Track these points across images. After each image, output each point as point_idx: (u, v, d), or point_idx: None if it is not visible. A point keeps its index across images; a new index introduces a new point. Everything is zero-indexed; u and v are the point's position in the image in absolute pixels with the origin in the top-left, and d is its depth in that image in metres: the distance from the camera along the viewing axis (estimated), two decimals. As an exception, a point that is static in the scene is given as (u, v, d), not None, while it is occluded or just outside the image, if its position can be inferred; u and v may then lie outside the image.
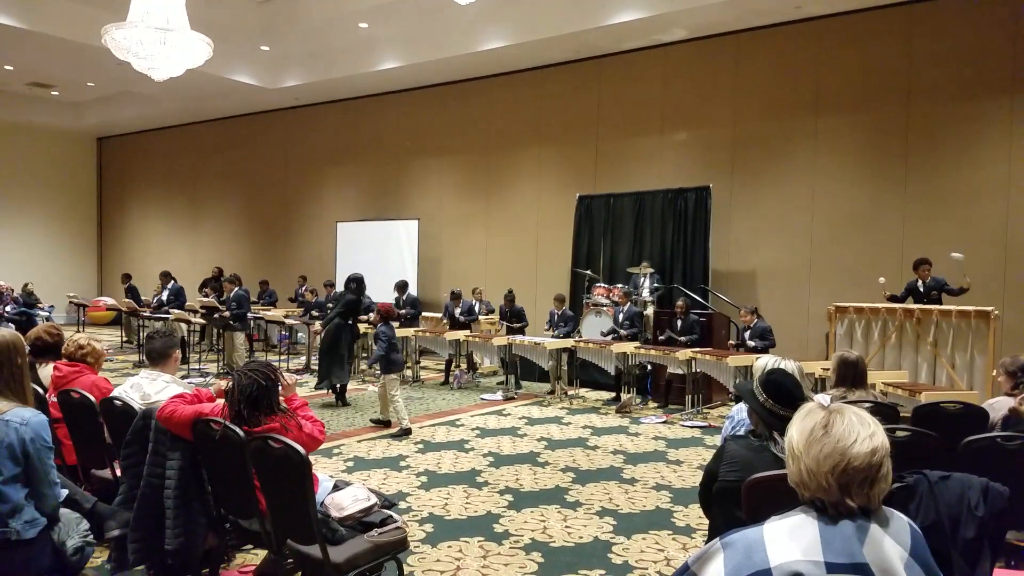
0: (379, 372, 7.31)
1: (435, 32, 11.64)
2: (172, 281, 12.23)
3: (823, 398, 3.79)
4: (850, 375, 4.00)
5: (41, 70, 14.40)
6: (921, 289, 7.91)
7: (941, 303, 7.63)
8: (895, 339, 7.45)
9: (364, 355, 11.28)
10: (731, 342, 8.74)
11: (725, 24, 10.09)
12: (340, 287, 10.80)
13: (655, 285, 10.05)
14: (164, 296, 12.08)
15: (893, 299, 7.96)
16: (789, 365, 3.06)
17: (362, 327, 10.34)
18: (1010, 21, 8.54)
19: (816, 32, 9.76)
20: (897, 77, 9.24)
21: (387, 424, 7.24)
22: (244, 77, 13.49)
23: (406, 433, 6.90)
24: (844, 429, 1.52)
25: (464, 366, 10.28)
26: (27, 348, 2.88)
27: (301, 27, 12.15)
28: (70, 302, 15.53)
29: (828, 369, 5.57)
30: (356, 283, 8.73)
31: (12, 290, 13.94)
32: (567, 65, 11.90)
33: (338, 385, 8.49)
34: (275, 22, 12.26)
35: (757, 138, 10.27)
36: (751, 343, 8.26)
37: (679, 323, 8.87)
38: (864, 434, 1.51)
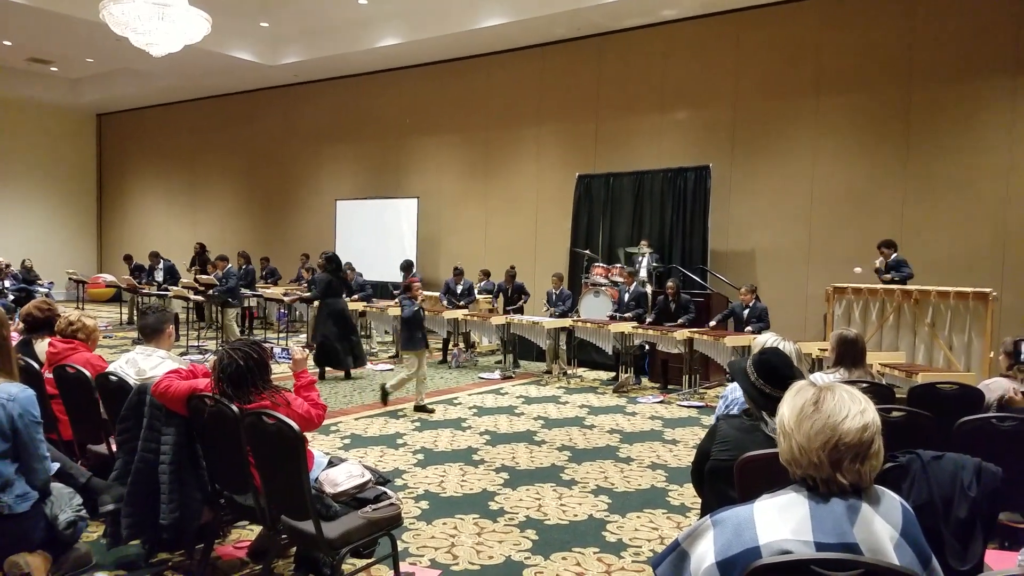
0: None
1: (435, 9, 11.52)
2: (161, 260, 12.29)
3: (821, 376, 3.79)
4: (850, 354, 3.98)
5: (40, 46, 14.28)
6: (882, 268, 7.96)
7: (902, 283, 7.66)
8: (893, 320, 7.44)
9: (363, 334, 11.30)
10: (711, 323, 8.55)
11: (726, 2, 9.98)
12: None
13: (653, 264, 10.02)
14: (159, 276, 12.09)
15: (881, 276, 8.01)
16: (787, 346, 3.05)
17: (357, 306, 10.35)
18: (1013, 2, 8.43)
19: (817, 11, 9.66)
20: (898, 58, 9.15)
21: (428, 411, 6.94)
22: (243, 53, 13.37)
23: (420, 407, 6.93)
24: (835, 405, 1.51)
25: (462, 345, 10.29)
26: (14, 323, 2.86)
27: (300, 3, 12.01)
28: (70, 279, 15.55)
29: (826, 349, 5.57)
30: (327, 260, 8.80)
31: (10, 266, 13.92)
32: (567, 43, 11.79)
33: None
34: (274, -3, 12.13)
35: (757, 118, 10.19)
36: (749, 328, 8.19)
37: (673, 305, 8.81)
38: (855, 410, 1.50)
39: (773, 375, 2.45)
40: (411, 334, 7.06)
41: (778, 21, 9.96)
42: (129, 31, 7.55)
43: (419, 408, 6.98)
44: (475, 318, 9.79)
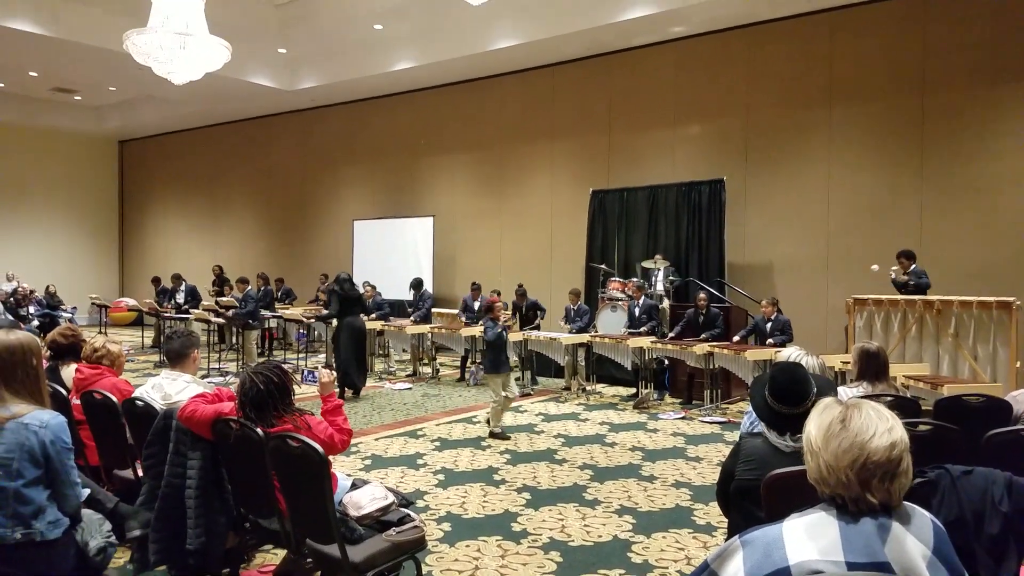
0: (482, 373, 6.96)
1: (448, 32, 11.66)
2: (183, 282, 12.41)
3: (844, 391, 3.76)
4: (872, 367, 3.95)
5: (64, 76, 14.62)
6: (899, 280, 7.97)
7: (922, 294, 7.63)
8: (915, 331, 7.36)
9: (381, 352, 11.37)
10: (736, 338, 8.48)
11: (736, 17, 10.02)
12: (359, 285, 10.85)
13: (671, 278, 9.99)
14: (180, 298, 12.22)
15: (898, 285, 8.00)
16: (810, 360, 3.03)
17: (375, 324, 10.39)
18: (1027, 5, 8.40)
19: (828, 22, 9.66)
20: (912, 66, 9.12)
21: (504, 437, 6.68)
22: (262, 79, 13.59)
23: (499, 437, 6.63)
24: (862, 423, 1.50)
25: (480, 362, 10.29)
26: (44, 350, 2.90)
27: (317, 29, 12.21)
28: (92, 303, 15.76)
29: (848, 363, 5.51)
30: (337, 282, 8.95)
31: (34, 292, 14.14)
32: (579, 61, 11.87)
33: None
34: (292, 25, 12.34)
35: (770, 130, 10.18)
36: (771, 341, 8.12)
37: (701, 317, 8.73)
38: (883, 428, 1.49)
39: (780, 392, 2.45)
40: (496, 357, 6.89)
41: (788, 34, 9.97)
42: (151, 60, 7.70)
43: (494, 435, 6.73)
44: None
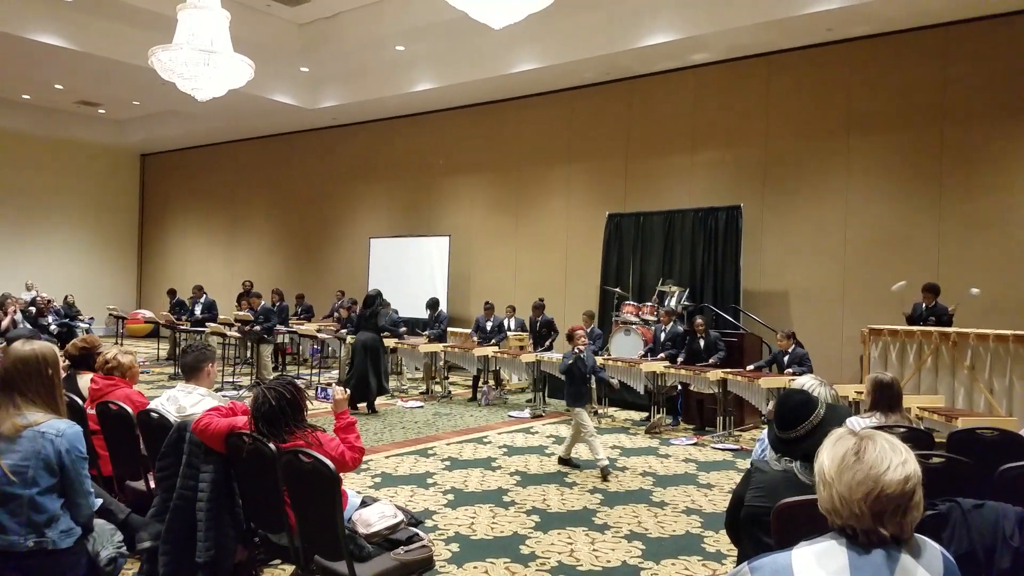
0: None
1: (469, 54, 11.79)
2: (204, 295, 12.44)
3: (857, 421, 3.75)
4: (886, 398, 3.93)
5: (89, 89, 14.89)
6: (922, 313, 7.98)
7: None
8: (931, 363, 7.29)
9: (395, 370, 11.38)
10: (753, 366, 8.43)
11: (756, 46, 10.07)
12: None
13: (684, 303, 9.96)
14: (197, 310, 12.28)
15: (909, 320, 8.01)
16: (822, 391, 3.02)
17: (390, 342, 10.43)
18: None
19: (848, 53, 9.68)
20: (931, 99, 9.11)
21: (572, 465, 6.45)
22: (284, 97, 13.78)
23: (604, 474, 6.13)
24: (876, 456, 1.50)
25: (492, 382, 10.29)
26: (61, 359, 2.95)
27: (340, 49, 12.38)
28: (110, 314, 15.91)
29: (862, 392, 5.47)
30: (368, 297, 9.28)
31: (52, 302, 14.31)
32: (598, 86, 11.95)
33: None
34: (315, 44, 12.52)
35: (789, 158, 10.19)
36: (789, 370, 8.04)
37: (701, 342, 8.73)
38: (896, 461, 1.49)
39: (775, 415, 2.52)
40: (572, 388, 6.55)
41: (808, 64, 10.01)
42: (176, 76, 7.83)
43: (563, 461, 6.53)
44: (505, 355, 9.80)
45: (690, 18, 9.68)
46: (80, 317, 14.81)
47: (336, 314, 13.31)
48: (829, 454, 1.56)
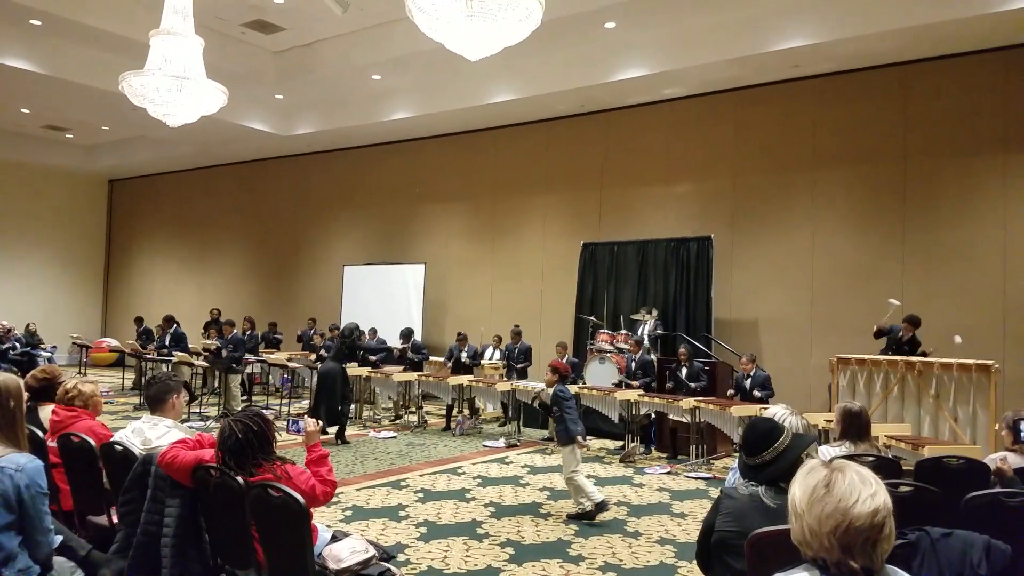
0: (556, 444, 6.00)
1: (445, 85, 11.90)
2: (175, 326, 12.13)
3: (827, 450, 3.79)
4: (855, 427, 3.98)
5: (57, 114, 14.70)
6: (898, 340, 8.14)
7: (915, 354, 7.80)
8: (897, 391, 7.41)
9: (367, 399, 11.25)
10: (730, 392, 8.63)
11: (726, 81, 10.31)
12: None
13: (658, 331, 10.04)
14: (166, 340, 12.03)
15: (879, 333, 8.19)
16: (793, 420, 3.05)
17: (363, 371, 10.31)
18: (1000, 81, 8.71)
19: (813, 90, 9.96)
20: (893, 134, 9.39)
21: (589, 516, 5.73)
22: (258, 124, 13.74)
23: (599, 510, 5.71)
24: (846, 489, 1.51)
25: (466, 412, 10.22)
26: (24, 392, 2.87)
27: (316, 77, 12.41)
28: (73, 343, 15.55)
29: (831, 421, 5.54)
30: (345, 329, 9.38)
31: (12, 330, 13.96)
32: (573, 118, 12.12)
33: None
34: (290, 72, 12.53)
35: (757, 191, 10.39)
36: (756, 393, 8.22)
37: (684, 370, 8.84)
38: (866, 493, 1.51)
39: (747, 443, 2.62)
40: (560, 425, 5.97)
41: (775, 98, 10.27)
42: (147, 102, 7.75)
43: (573, 516, 5.77)
44: (480, 384, 9.76)
45: (662, 54, 9.90)
46: (42, 345, 14.44)
47: (311, 343, 13.17)
48: (801, 486, 1.58)
